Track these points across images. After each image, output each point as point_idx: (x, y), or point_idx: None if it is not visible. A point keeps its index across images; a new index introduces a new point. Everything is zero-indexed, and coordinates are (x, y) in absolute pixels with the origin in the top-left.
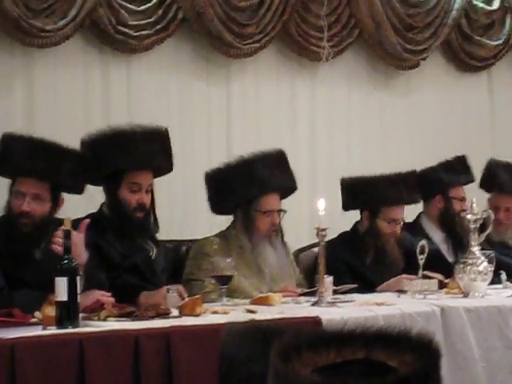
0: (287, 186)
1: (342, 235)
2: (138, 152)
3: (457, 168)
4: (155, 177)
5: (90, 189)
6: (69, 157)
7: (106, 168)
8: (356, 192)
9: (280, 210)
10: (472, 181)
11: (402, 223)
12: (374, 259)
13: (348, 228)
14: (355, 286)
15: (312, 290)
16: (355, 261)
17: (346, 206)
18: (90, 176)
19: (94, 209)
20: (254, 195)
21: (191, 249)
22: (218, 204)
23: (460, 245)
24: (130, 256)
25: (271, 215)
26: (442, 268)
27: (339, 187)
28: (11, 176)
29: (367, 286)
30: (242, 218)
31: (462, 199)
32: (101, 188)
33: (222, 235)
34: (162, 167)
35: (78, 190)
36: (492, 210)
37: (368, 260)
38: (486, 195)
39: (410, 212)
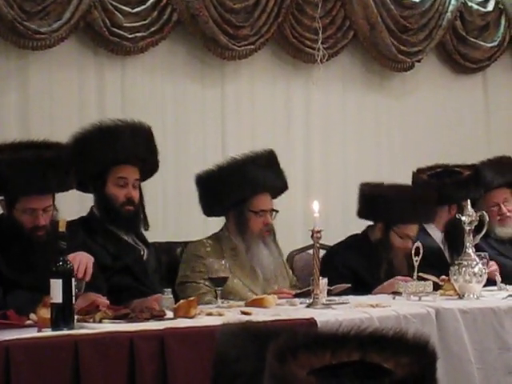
0: (279, 186)
1: (351, 239)
2: (123, 145)
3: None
4: (142, 174)
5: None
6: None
7: (91, 165)
8: (374, 204)
9: (272, 210)
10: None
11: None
12: (385, 272)
13: (341, 231)
14: (349, 285)
15: (306, 289)
16: (362, 268)
17: (361, 214)
18: (76, 178)
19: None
20: (246, 196)
21: (184, 252)
22: (210, 206)
23: (456, 247)
24: (121, 257)
25: (264, 215)
26: (441, 267)
27: (334, 189)
28: (12, 195)
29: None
30: (235, 219)
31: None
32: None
33: (215, 237)
34: (147, 161)
35: (72, 186)
36: (492, 208)
37: (381, 273)
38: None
39: None
